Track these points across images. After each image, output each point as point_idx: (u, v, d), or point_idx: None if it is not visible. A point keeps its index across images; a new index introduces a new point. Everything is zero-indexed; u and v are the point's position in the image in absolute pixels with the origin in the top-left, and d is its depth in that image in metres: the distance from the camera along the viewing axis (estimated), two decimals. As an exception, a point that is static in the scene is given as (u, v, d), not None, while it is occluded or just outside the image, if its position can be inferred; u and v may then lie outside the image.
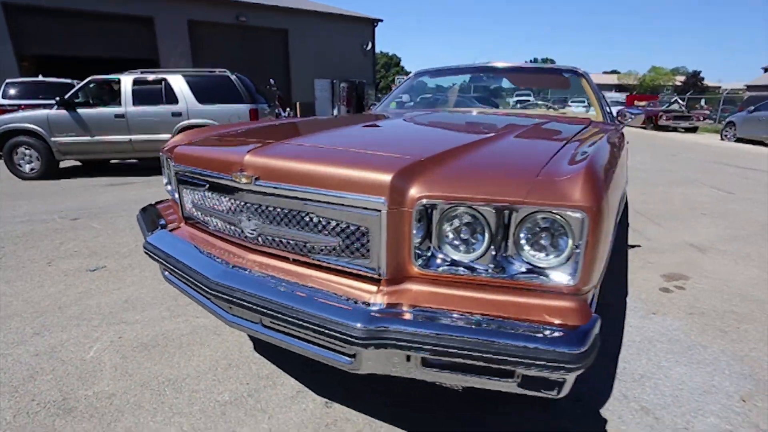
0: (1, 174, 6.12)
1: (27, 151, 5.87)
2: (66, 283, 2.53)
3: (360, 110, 17.16)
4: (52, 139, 5.81)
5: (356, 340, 0.89)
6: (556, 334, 0.85)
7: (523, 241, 0.93)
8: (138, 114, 5.90)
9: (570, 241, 0.89)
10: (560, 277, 0.91)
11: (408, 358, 0.93)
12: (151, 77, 5.94)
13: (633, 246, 3.05)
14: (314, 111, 18.00)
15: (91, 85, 6.14)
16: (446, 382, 0.95)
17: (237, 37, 15.57)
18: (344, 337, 0.90)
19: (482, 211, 0.92)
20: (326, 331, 0.93)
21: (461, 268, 0.97)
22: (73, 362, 1.76)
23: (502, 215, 0.91)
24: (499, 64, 2.73)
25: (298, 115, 17.16)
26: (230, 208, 1.23)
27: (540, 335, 0.85)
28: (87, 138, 5.87)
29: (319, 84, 18.12)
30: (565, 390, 0.89)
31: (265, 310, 1.02)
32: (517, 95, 3.29)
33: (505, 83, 3.16)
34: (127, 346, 1.87)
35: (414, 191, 0.94)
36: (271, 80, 9.21)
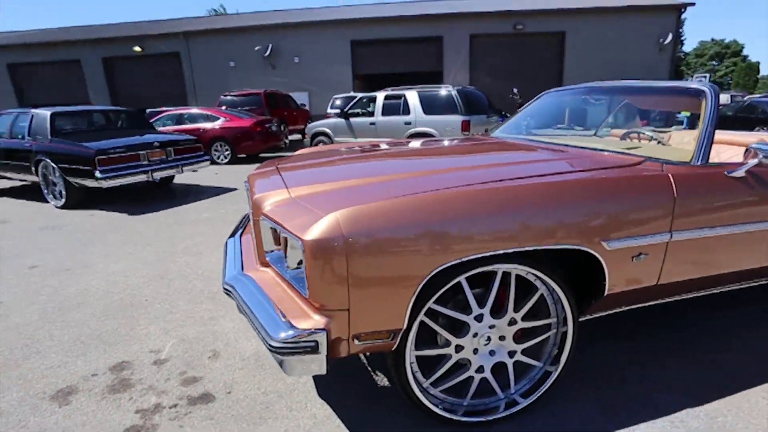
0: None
1: (322, 146, 8.72)
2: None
3: (642, 117, 14.47)
4: (335, 138, 8.38)
5: (224, 289, 1.53)
6: (283, 324, 1.21)
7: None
8: (384, 122, 7.64)
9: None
10: (304, 290, 1.23)
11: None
12: (395, 93, 7.53)
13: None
14: (585, 116, 16.49)
15: (364, 101, 8.36)
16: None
17: (511, 44, 16.17)
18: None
19: (278, 230, 1.35)
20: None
21: (278, 266, 1.42)
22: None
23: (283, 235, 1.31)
24: (619, 84, 2.30)
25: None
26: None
27: (275, 321, 1.23)
28: (352, 138, 8.11)
29: (596, 86, 16.40)
30: (289, 371, 1.21)
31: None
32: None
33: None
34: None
35: (264, 209, 1.45)
36: (514, 89, 9.43)
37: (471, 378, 1.52)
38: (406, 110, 7.36)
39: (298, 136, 15.09)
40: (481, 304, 1.43)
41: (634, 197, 1.45)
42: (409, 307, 1.25)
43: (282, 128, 11.20)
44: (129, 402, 1.74)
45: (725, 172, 1.62)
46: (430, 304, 1.35)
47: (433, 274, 1.23)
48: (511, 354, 1.53)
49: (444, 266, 1.22)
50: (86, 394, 1.80)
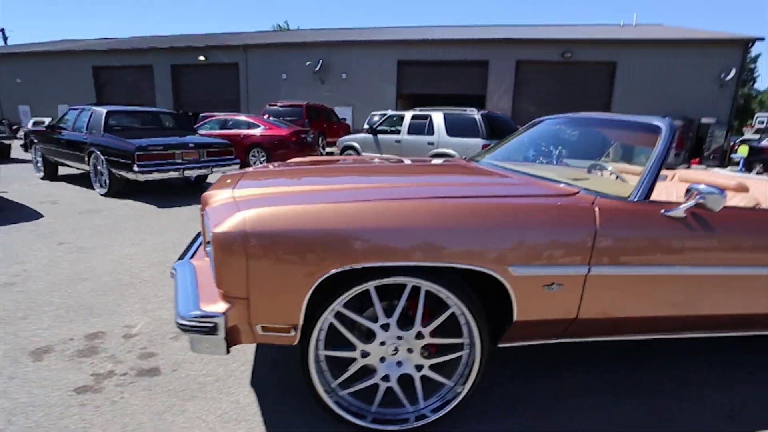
0: (339, 171, 9.68)
1: (351, 159, 9.02)
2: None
3: (695, 154, 13.68)
4: (362, 153, 8.64)
5: (171, 272, 1.71)
6: (191, 305, 1.36)
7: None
8: (408, 141, 7.81)
9: None
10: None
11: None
12: (422, 113, 7.69)
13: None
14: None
15: (394, 119, 8.59)
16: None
17: (558, 72, 15.88)
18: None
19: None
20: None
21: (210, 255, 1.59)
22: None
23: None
24: (590, 115, 2.31)
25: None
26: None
27: (187, 302, 1.38)
28: (377, 155, 8.33)
29: (648, 120, 15.68)
30: (194, 348, 1.36)
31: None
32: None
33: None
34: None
35: (207, 205, 1.63)
36: (548, 117, 9.30)
37: (377, 385, 1.59)
38: (431, 130, 7.49)
39: (335, 149, 15.65)
40: (390, 314, 1.51)
41: (549, 226, 1.48)
42: (304, 305, 1.36)
43: (319, 140, 11.68)
44: (89, 366, 1.96)
45: (662, 211, 1.61)
46: (339, 307, 1.46)
47: (325, 277, 1.33)
48: (419, 368, 1.58)
49: (336, 271, 1.33)
50: (58, 355, 2.04)
